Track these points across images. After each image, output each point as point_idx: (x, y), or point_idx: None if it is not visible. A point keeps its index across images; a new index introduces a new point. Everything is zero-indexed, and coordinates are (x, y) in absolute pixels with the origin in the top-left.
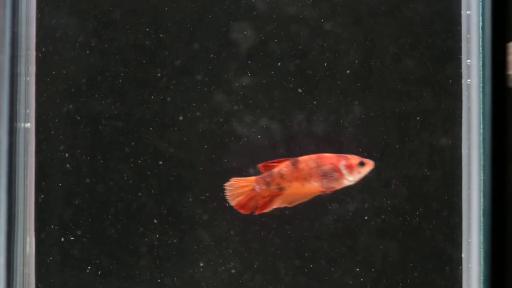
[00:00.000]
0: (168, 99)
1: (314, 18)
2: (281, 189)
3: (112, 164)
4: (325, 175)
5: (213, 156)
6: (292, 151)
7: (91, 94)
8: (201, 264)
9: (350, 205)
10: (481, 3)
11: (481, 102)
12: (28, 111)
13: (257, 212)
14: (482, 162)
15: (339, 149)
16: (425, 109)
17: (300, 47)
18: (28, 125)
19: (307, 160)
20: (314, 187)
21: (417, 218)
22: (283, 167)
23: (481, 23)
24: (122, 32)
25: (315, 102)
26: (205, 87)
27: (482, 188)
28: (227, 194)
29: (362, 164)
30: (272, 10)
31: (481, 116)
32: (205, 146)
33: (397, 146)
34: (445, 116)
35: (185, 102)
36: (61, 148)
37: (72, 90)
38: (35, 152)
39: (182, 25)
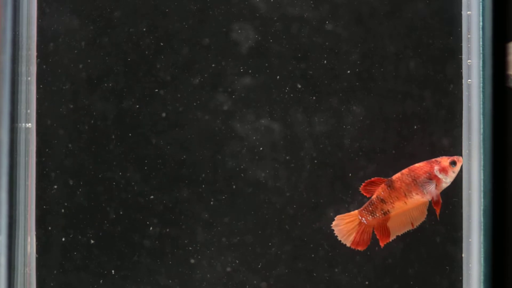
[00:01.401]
0: (171, 98)
1: (315, 19)
2: (385, 213)
3: (114, 164)
4: (423, 186)
5: (215, 156)
6: (295, 151)
7: (93, 93)
8: (205, 265)
9: (350, 205)
10: (481, 3)
11: (481, 102)
12: (29, 111)
13: (382, 245)
14: (482, 162)
15: (340, 149)
16: (426, 109)
17: (301, 47)
18: (29, 125)
19: (401, 177)
20: (417, 200)
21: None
22: (380, 191)
23: (481, 23)
24: (124, 32)
25: (314, 98)
26: (207, 87)
27: (482, 188)
28: (337, 235)
29: (453, 163)
30: (274, 10)
31: (482, 116)
32: (208, 146)
33: (394, 149)
34: (445, 117)
35: (188, 101)
36: (62, 148)
37: (74, 89)
38: (36, 152)
39: (184, 24)
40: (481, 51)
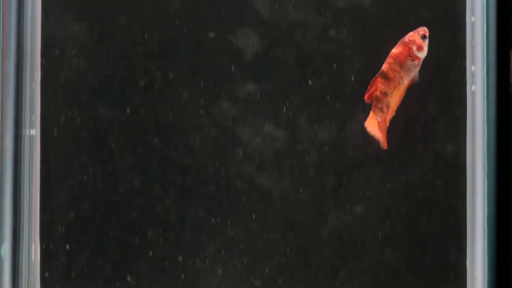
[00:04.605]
0: (175, 105)
1: (320, 26)
2: (388, 106)
3: (118, 171)
4: (409, 70)
5: (218, 163)
6: (296, 157)
7: (97, 99)
8: (207, 270)
9: (354, 212)
10: (485, 10)
11: (485, 109)
12: (33, 117)
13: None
14: (486, 169)
15: (343, 157)
16: (430, 116)
17: (305, 54)
18: (33, 131)
19: (390, 67)
20: (405, 85)
21: (421, 225)
22: (380, 85)
23: (485, 30)
24: (128, 38)
25: (319, 104)
26: (210, 93)
27: (486, 195)
28: (375, 136)
29: (424, 37)
30: (279, 17)
31: (486, 122)
32: (211, 152)
33: (400, 156)
34: (449, 123)
35: (191, 108)
36: (67, 155)
37: (78, 96)
38: (40, 159)
39: (188, 30)
40: (485, 58)
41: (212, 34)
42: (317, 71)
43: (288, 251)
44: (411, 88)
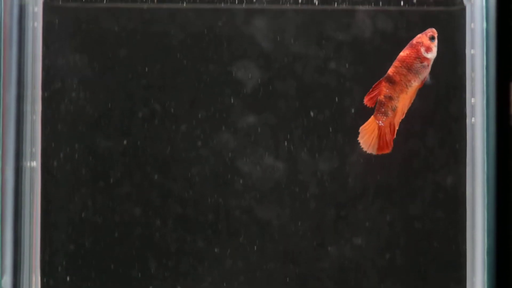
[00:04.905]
0: (175, 137)
1: (320, 58)
2: (394, 110)
3: (119, 203)
4: (418, 72)
5: (217, 195)
6: (297, 188)
7: (97, 131)
8: None
9: (354, 244)
10: (485, 42)
11: (485, 141)
12: (34, 149)
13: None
14: (486, 201)
15: (343, 187)
16: (430, 148)
17: (305, 86)
18: (34, 163)
19: (396, 71)
20: (414, 87)
21: (421, 257)
22: (384, 89)
23: (485, 62)
24: (129, 71)
25: (319, 137)
26: (210, 126)
27: (486, 228)
28: (363, 147)
29: (432, 38)
30: (279, 50)
31: (485, 155)
32: (211, 184)
33: (399, 189)
34: (449, 155)
35: (191, 140)
36: (67, 187)
37: (78, 128)
38: (41, 191)
39: (188, 64)
40: (484, 90)
41: (212, 66)
42: (318, 103)
43: (287, 281)
44: (411, 119)
